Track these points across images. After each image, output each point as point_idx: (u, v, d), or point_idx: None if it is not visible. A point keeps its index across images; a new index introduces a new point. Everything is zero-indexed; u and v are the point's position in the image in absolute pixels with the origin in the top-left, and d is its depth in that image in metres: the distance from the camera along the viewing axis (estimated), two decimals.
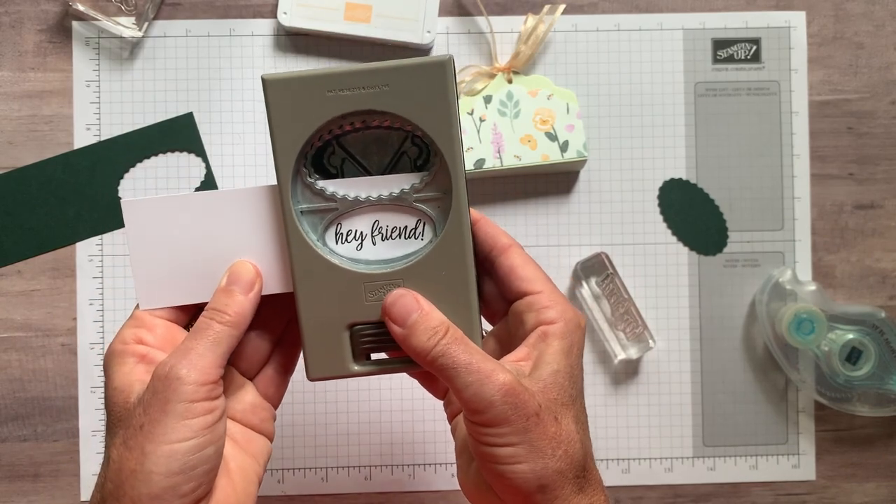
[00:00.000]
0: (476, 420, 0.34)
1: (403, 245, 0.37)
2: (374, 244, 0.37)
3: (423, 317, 0.35)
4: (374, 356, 0.38)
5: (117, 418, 0.35)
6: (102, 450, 0.56)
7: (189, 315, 0.39)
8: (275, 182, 0.37)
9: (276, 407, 0.41)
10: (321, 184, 0.37)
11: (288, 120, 0.36)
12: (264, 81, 0.35)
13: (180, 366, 0.34)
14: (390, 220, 0.37)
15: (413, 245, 0.37)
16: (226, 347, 0.36)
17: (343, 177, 0.37)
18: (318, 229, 0.37)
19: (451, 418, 0.41)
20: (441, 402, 0.42)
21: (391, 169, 0.38)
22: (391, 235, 0.37)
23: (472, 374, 0.34)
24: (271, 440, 0.40)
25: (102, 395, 0.56)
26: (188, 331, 0.37)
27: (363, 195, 0.37)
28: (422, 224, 0.37)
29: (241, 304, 0.36)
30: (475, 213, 0.38)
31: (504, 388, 0.34)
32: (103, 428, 0.56)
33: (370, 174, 0.37)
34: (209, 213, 0.38)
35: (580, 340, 0.37)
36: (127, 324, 0.37)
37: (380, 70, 0.35)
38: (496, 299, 0.39)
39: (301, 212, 0.37)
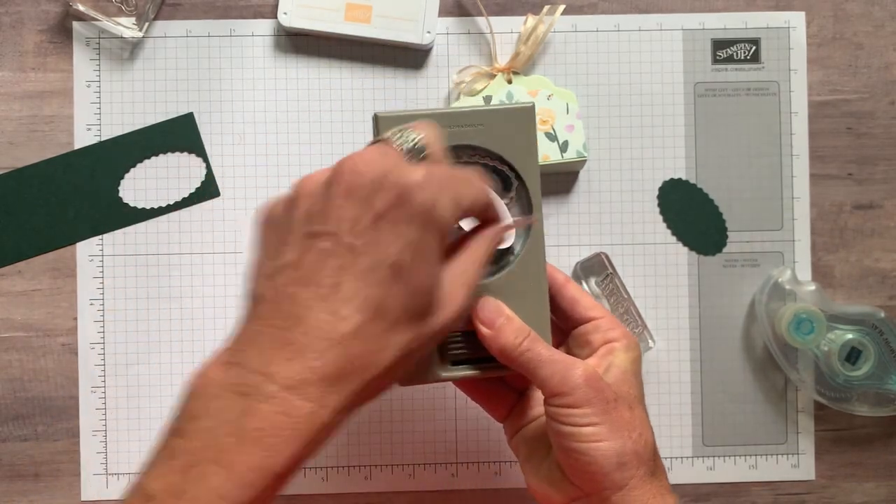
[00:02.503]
0: (561, 403, 0.39)
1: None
2: None
3: (510, 320, 0.40)
4: (455, 364, 0.43)
5: None
6: (103, 449, 0.56)
7: None
8: None
9: None
10: None
11: None
12: (377, 118, 0.41)
13: None
14: None
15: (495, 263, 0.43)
16: None
17: None
18: None
19: (511, 436, 0.46)
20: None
21: None
22: None
23: (556, 364, 0.39)
24: None
25: (103, 395, 0.56)
26: None
27: None
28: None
29: None
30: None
31: (586, 374, 0.39)
32: (104, 428, 0.56)
33: None
34: None
35: (640, 357, 0.44)
36: None
37: (477, 112, 0.43)
38: (554, 328, 0.44)
39: None
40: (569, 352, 0.44)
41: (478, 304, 0.41)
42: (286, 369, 0.32)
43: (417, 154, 0.36)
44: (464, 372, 0.42)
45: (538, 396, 0.44)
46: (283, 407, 0.32)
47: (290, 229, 0.34)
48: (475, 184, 0.36)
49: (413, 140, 0.36)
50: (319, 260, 0.33)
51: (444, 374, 0.42)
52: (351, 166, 0.34)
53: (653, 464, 0.40)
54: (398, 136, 0.36)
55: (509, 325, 0.40)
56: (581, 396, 0.39)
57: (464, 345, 0.42)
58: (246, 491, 0.31)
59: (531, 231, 0.43)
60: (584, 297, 0.44)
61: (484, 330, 0.40)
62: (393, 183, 0.33)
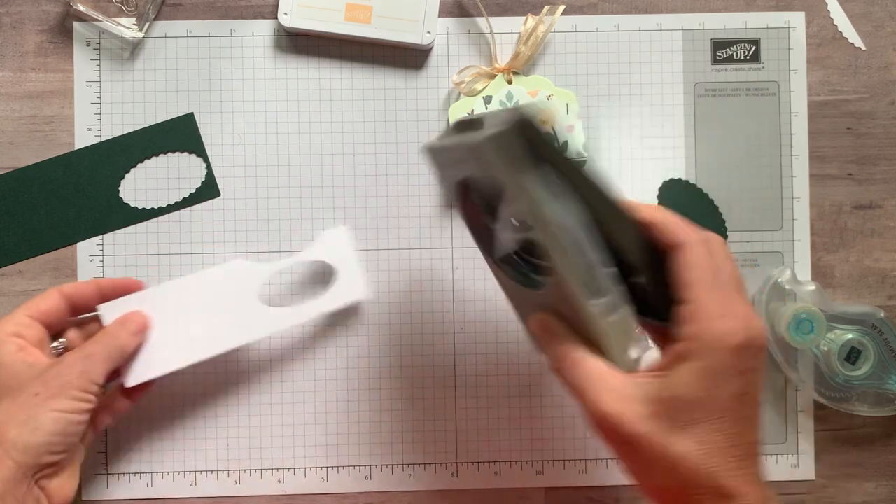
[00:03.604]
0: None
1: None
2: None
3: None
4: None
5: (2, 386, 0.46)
6: (104, 449, 0.56)
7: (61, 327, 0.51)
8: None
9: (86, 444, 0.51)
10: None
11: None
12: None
13: (85, 363, 0.46)
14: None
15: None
16: (114, 365, 0.48)
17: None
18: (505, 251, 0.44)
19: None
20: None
21: None
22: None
23: (583, 394, 0.38)
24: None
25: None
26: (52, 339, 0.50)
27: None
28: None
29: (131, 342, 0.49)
30: (651, 211, 0.40)
31: (594, 417, 0.38)
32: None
33: None
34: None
35: (729, 363, 0.36)
36: (8, 318, 0.48)
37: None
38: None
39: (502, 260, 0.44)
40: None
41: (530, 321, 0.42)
42: None
43: None
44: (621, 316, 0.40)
45: None
46: None
47: None
48: None
49: None
50: None
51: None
52: None
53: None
54: None
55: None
56: (597, 434, 0.38)
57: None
58: None
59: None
60: (687, 269, 0.38)
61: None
62: None
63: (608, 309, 0.38)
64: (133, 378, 0.50)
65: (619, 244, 0.39)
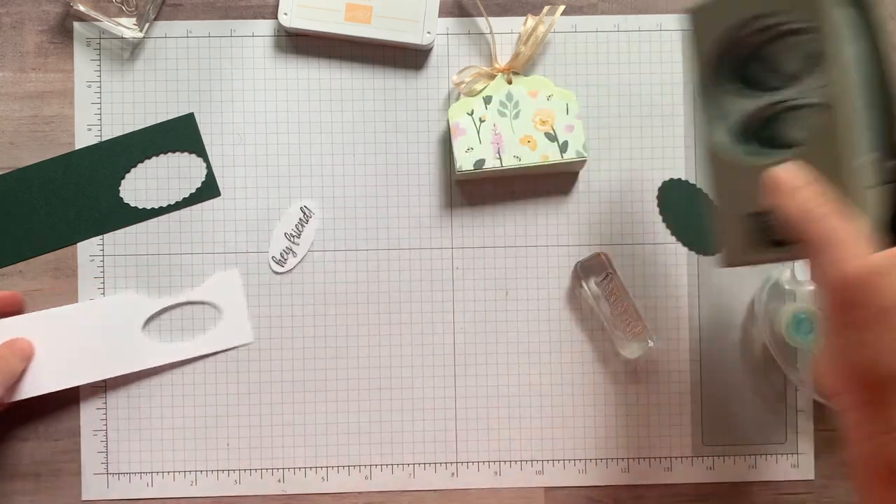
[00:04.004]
0: (818, 298, 0.37)
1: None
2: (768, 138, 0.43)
3: (804, 187, 0.38)
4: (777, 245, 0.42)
5: None
6: (104, 449, 0.56)
7: None
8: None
9: None
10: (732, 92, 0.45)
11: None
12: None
13: None
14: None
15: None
16: (4, 389, 0.51)
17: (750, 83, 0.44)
18: (728, 130, 0.44)
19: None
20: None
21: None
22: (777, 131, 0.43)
23: (827, 251, 0.36)
24: None
25: (104, 394, 0.56)
26: None
27: (772, 100, 0.43)
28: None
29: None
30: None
31: (835, 275, 0.35)
32: (104, 427, 0.56)
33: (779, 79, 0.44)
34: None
35: None
36: None
37: None
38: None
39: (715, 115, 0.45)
40: None
41: (771, 171, 0.39)
42: None
43: None
44: (777, 254, 0.41)
45: None
46: None
47: None
48: None
49: None
50: None
51: (758, 257, 0.41)
52: None
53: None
54: None
55: (801, 191, 0.38)
56: (826, 302, 0.36)
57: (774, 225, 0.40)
58: None
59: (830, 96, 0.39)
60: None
61: (773, 197, 0.38)
62: None
63: (871, 174, 0.38)
64: (9, 395, 0.53)
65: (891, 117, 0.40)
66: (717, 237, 0.44)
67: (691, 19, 0.45)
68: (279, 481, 0.57)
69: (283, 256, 0.57)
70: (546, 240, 0.58)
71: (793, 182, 0.38)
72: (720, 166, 0.44)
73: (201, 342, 0.57)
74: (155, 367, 0.56)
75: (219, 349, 0.57)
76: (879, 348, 0.34)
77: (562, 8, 0.57)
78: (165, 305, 0.56)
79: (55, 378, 0.54)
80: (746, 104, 0.44)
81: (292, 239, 0.57)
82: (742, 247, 0.43)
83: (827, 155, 0.38)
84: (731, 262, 0.44)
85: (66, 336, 0.54)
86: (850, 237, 0.36)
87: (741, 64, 0.45)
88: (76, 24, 0.58)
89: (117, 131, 0.57)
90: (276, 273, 0.57)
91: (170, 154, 0.57)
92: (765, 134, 0.44)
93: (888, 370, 0.34)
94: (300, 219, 0.57)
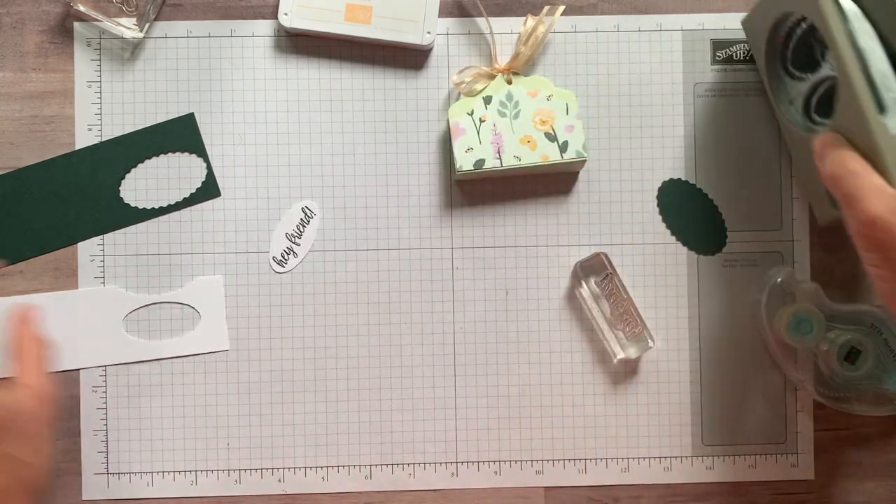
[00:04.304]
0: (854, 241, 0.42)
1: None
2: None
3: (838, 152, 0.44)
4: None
5: None
6: (104, 449, 0.56)
7: None
8: None
9: None
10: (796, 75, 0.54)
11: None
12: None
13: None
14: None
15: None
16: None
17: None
18: (797, 109, 0.54)
19: None
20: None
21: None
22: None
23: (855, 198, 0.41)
24: None
25: (104, 394, 0.57)
26: None
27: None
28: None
29: None
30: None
31: (865, 220, 0.40)
32: (104, 427, 0.56)
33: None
34: None
35: None
36: None
37: None
38: None
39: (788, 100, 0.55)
40: None
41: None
42: None
43: None
44: None
45: None
46: None
47: None
48: None
49: None
50: None
51: (837, 212, 0.46)
52: None
53: None
54: None
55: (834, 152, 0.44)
56: (862, 243, 0.41)
57: None
58: None
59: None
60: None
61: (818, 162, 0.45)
62: None
63: (891, 126, 0.43)
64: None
65: None
66: (809, 201, 0.57)
67: (744, 28, 0.57)
68: (279, 481, 0.57)
69: (283, 256, 0.57)
70: (546, 240, 0.58)
71: (822, 147, 0.45)
72: (795, 140, 0.55)
73: (177, 344, 0.57)
74: (154, 366, 0.56)
75: (193, 352, 0.57)
76: None
77: (562, 8, 0.57)
78: (143, 303, 0.56)
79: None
80: (801, 86, 0.53)
81: (293, 239, 0.57)
82: (827, 208, 0.53)
83: (852, 118, 0.44)
84: (823, 221, 0.55)
85: (42, 323, 0.53)
86: (874, 187, 0.41)
87: (789, 55, 0.53)
88: (76, 24, 0.58)
89: (117, 131, 0.57)
90: (277, 273, 0.57)
91: (170, 154, 0.58)
92: (823, 109, 0.52)
93: None
94: (301, 219, 0.57)
